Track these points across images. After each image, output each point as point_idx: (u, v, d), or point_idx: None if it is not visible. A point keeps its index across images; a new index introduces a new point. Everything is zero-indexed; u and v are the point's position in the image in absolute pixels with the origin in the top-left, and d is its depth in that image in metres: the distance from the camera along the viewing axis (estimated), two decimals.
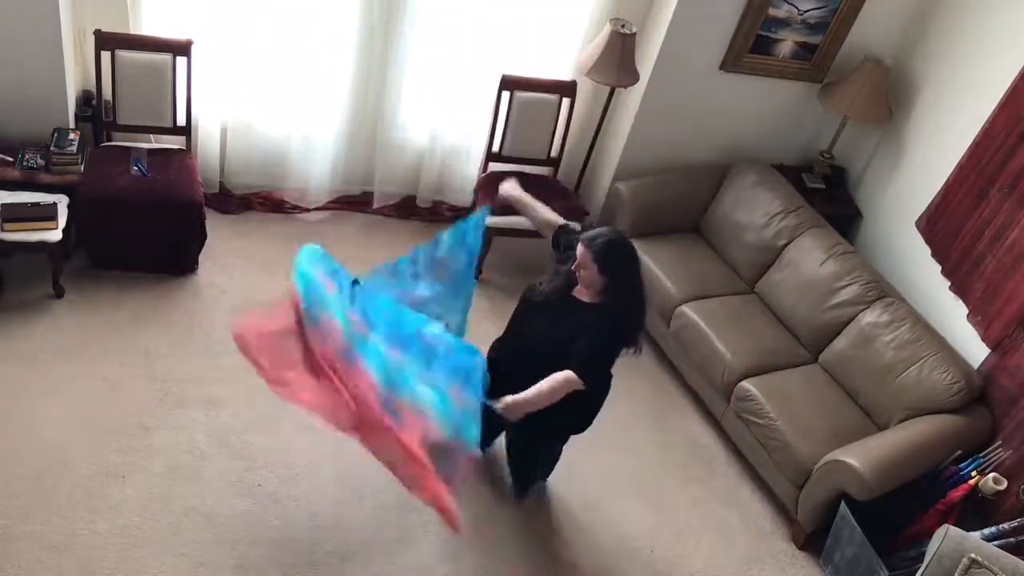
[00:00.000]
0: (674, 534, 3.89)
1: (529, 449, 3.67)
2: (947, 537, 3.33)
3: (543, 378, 3.04)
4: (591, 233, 3.11)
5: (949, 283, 4.32)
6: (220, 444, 3.69)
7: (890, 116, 4.81)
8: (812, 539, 3.95)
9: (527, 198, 3.45)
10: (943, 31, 4.58)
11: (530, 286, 3.38)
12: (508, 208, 4.57)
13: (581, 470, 4.03)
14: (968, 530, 3.47)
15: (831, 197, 5.07)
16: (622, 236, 3.18)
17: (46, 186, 4.05)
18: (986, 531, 3.62)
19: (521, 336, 3.34)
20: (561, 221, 3.41)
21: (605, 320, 3.13)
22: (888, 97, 4.78)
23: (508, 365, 3.25)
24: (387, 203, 5.04)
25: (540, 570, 3.61)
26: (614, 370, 3.26)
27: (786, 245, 4.57)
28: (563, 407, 3.10)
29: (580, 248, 3.10)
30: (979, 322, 4.12)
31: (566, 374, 3.04)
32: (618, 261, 3.11)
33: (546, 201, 4.66)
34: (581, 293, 3.22)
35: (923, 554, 3.46)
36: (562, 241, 3.37)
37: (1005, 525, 3.62)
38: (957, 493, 3.76)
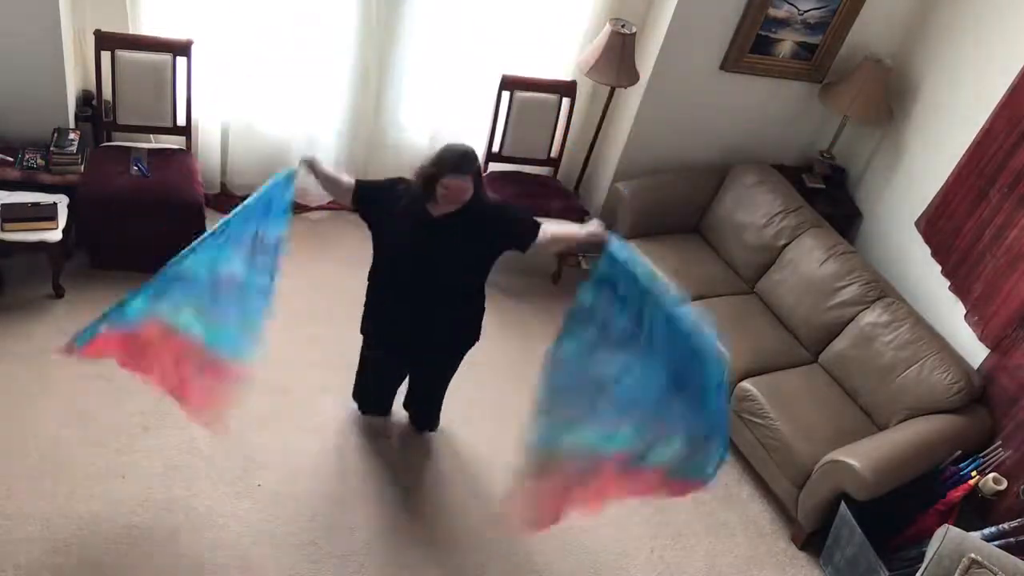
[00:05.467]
0: (674, 534, 3.89)
1: (443, 379, 3.73)
2: (947, 537, 3.33)
3: (454, 296, 3.28)
4: (451, 162, 3.03)
5: (949, 283, 4.32)
6: (220, 444, 3.69)
7: (890, 116, 4.81)
8: (812, 539, 3.95)
9: (325, 170, 3.35)
10: (943, 31, 4.58)
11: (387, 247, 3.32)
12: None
13: None
14: (968, 530, 3.47)
15: (831, 197, 5.07)
16: (455, 145, 3.12)
17: (46, 186, 4.06)
18: (986, 531, 3.62)
19: (411, 274, 3.24)
20: (352, 181, 3.32)
21: (494, 206, 3.29)
22: (888, 97, 4.78)
23: (410, 311, 3.30)
24: None
25: (540, 570, 3.61)
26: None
27: (786, 245, 4.57)
28: (476, 318, 3.43)
29: (455, 180, 3.02)
30: (977, 322, 4.12)
31: (547, 223, 3.26)
32: (480, 167, 3.15)
33: (546, 200, 4.71)
34: (442, 210, 3.14)
35: (923, 554, 3.46)
36: (368, 197, 3.29)
37: (1005, 525, 3.62)
38: (957, 493, 3.75)
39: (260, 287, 3.20)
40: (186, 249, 3.10)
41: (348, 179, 3.33)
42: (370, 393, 3.86)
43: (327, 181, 3.33)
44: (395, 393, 3.86)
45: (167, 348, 3.17)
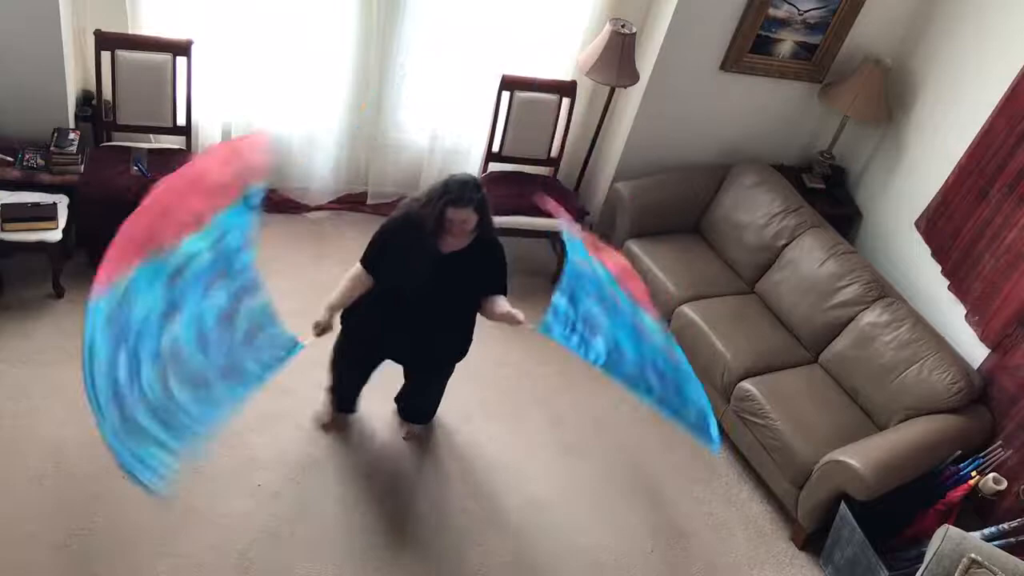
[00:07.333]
0: (674, 534, 3.89)
1: (441, 379, 3.77)
2: (947, 537, 3.33)
3: (452, 325, 3.40)
4: (453, 193, 3.05)
5: (949, 283, 4.32)
6: (220, 444, 3.68)
7: (890, 116, 4.81)
8: (812, 539, 3.95)
9: (337, 296, 3.31)
10: (943, 31, 4.58)
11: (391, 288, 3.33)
12: (509, 210, 4.60)
13: (581, 470, 4.03)
14: (968, 530, 3.47)
15: (831, 197, 5.07)
16: (459, 176, 3.15)
17: (46, 186, 4.05)
18: (986, 531, 3.63)
19: (412, 307, 3.29)
20: (359, 268, 3.31)
21: (494, 247, 3.32)
22: (888, 97, 4.78)
23: (409, 336, 3.40)
24: (384, 202, 5.03)
25: (540, 570, 3.61)
26: None
27: (786, 245, 4.57)
28: (468, 333, 3.50)
29: (460, 212, 3.06)
30: (977, 322, 4.12)
31: (504, 299, 3.34)
32: (484, 197, 3.14)
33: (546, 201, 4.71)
34: (451, 245, 3.19)
35: (923, 554, 3.46)
36: (378, 261, 3.29)
37: (1005, 525, 3.62)
38: (957, 493, 3.76)
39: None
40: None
41: (356, 275, 3.29)
42: (340, 392, 3.83)
43: (346, 298, 3.31)
44: (360, 393, 3.82)
45: None
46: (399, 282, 3.28)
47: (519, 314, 3.27)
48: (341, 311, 3.35)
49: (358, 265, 3.31)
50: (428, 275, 3.20)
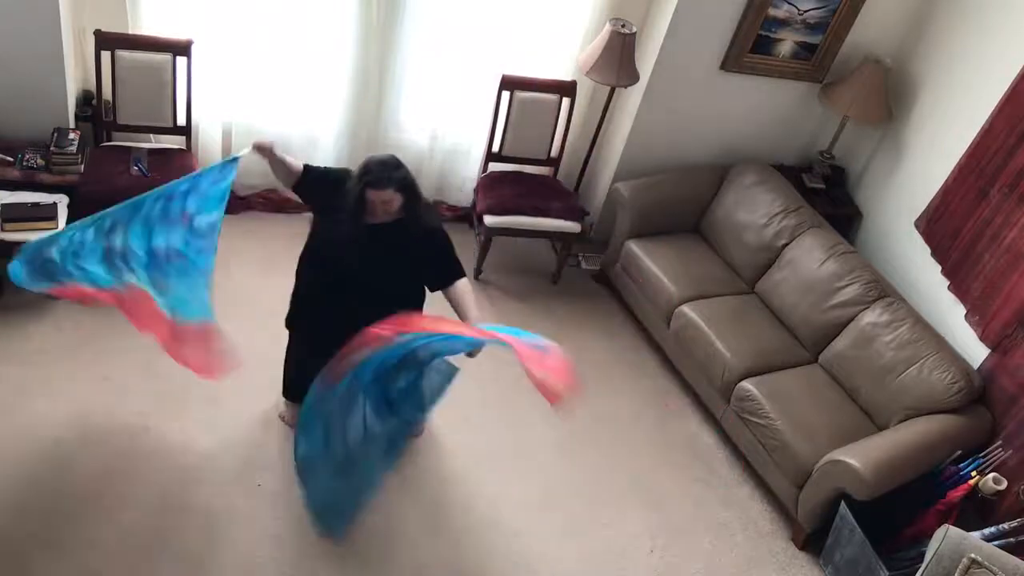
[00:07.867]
0: (674, 534, 3.89)
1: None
2: (947, 537, 3.33)
3: (370, 303, 3.10)
4: (371, 175, 3.06)
5: (949, 283, 4.32)
6: (220, 444, 3.69)
7: (890, 116, 4.81)
8: (812, 539, 3.95)
9: (280, 155, 3.32)
10: (943, 31, 4.58)
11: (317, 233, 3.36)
12: (509, 210, 4.59)
13: (580, 469, 4.03)
14: (968, 530, 3.47)
15: (831, 197, 5.07)
16: (379, 156, 3.16)
17: (46, 186, 4.06)
18: (986, 531, 3.62)
19: (338, 274, 3.27)
20: (300, 165, 3.32)
21: (428, 226, 3.27)
22: (888, 97, 4.78)
23: (325, 301, 3.33)
24: None
25: (538, 570, 3.61)
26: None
27: (786, 245, 4.57)
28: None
29: (380, 194, 3.07)
30: (977, 322, 4.12)
31: (464, 282, 3.30)
32: (406, 176, 3.13)
33: (546, 201, 4.71)
34: (376, 217, 3.18)
35: (923, 554, 3.46)
36: (312, 181, 3.31)
37: (1005, 525, 3.62)
38: (957, 493, 3.76)
39: (199, 265, 3.21)
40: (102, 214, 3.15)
41: (298, 163, 3.32)
42: (291, 380, 3.77)
43: (279, 165, 3.31)
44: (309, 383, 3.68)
45: (143, 306, 3.26)
46: (326, 237, 3.25)
47: (472, 312, 3.22)
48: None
49: (302, 163, 3.32)
50: (353, 239, 3.16)
